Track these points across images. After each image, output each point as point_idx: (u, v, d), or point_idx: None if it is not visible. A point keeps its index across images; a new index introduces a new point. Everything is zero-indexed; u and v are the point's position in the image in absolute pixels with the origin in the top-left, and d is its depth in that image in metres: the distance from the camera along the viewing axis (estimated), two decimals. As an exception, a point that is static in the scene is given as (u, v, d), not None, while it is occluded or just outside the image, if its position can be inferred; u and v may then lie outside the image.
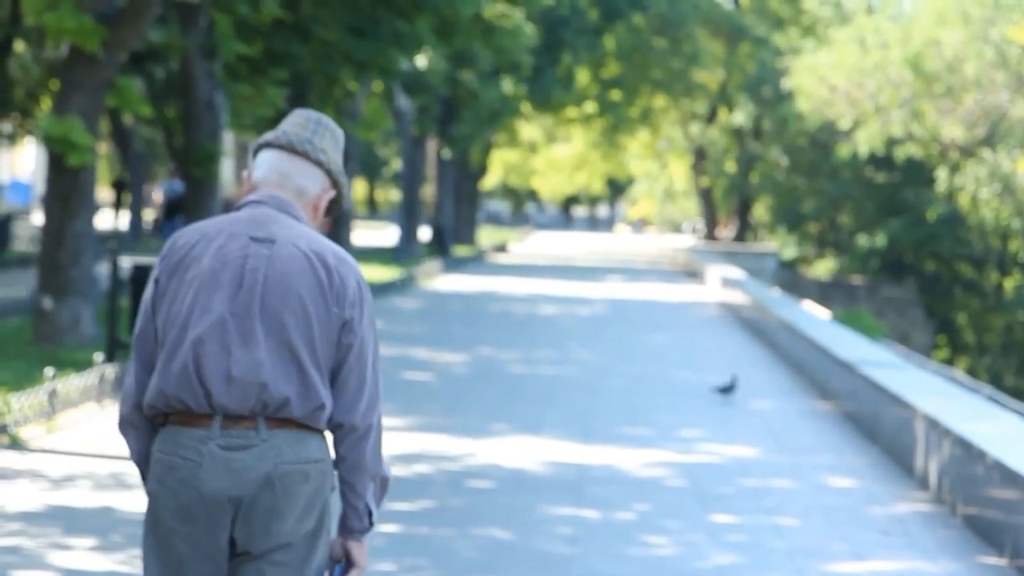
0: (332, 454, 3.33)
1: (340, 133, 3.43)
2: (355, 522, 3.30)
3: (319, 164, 3.35)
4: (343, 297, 3.24)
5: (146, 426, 3.28)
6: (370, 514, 3.30)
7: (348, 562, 3.31)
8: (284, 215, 3.29)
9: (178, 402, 3.19)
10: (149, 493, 3.25)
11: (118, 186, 42.71)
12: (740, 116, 51.56)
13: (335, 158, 3.38)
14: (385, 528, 7.16)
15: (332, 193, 3.39)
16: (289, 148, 3.34)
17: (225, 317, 3.19)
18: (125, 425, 3.30)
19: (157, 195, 39.13)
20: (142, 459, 3.31)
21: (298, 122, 3.37)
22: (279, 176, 3.34)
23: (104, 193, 57.36)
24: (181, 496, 3.18)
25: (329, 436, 3.33)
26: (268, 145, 3.36)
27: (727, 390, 12.66)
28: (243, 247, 3.23)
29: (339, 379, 3.24)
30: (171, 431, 3.21)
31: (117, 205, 41.87)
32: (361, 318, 3.26)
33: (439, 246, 38.77)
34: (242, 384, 3.17)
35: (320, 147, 3.35)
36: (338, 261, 3.26)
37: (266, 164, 3.35)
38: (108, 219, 40.78)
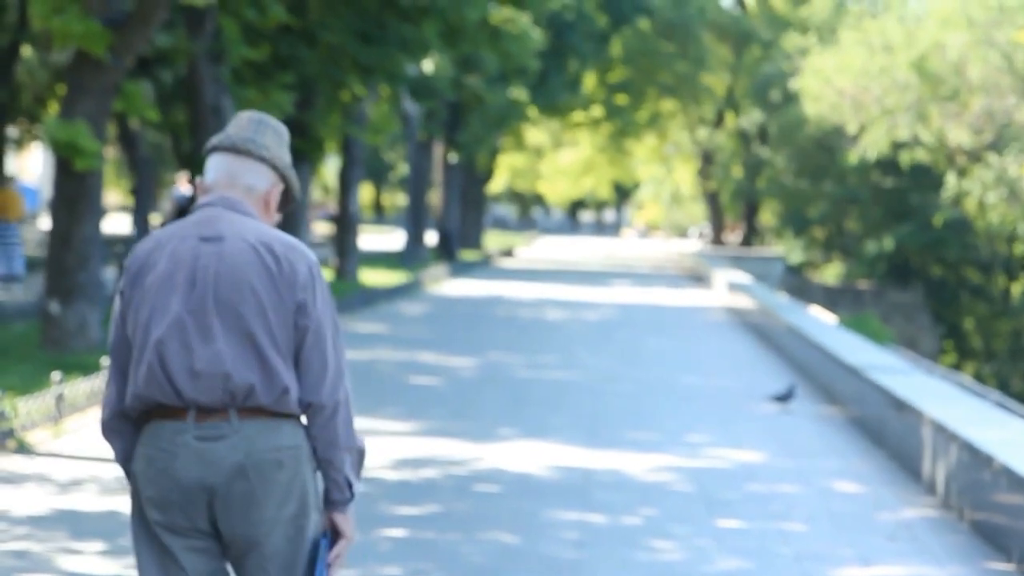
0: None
1: (283, 129, 3.57)
2: (337, 494, 3.45)
3: (263, 161, 3.49)
4: (294, 283, 3.38)
5: (128, 429, 3.46)
6: (350, 485, 3.45)
7: (335, 533, 3.46)
8: (233, 213, 3.44)
9: (151, 400, 3.37)
10: (132, 487, 3.43)
11: (139, 195, 42.75)
12: (747, 120, 51.53)
13: (280, 154, 3.52)
14: (391, 533, 7.16)
15: (281, 187, 3.54)
16: (233, 149, 3.49)
17: (182, 316, 3.35)
18: (107, 431, 3.49)
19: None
20: (126, 460, 3.50)
21: (240, 124, 3.52)
22: (227, 177, 3.49)
23: (116, 197, 57.29)
24: (159, 486, 3.35)
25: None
26: (215, 149, 3.51)
27: (784, 398, 12.49)
28: (193, 247, 3.39)
29: (301, 361, 3.38)
30: (152, 426, 3.39)
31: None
32: (315, 301, 3.39)
33: (445, 250, 38.78)
34: (207, 377, 3.32)
35: (263, 144, 3.50)
36: (287, 249, 3.40)
37: (215, 167, 3.51)
38: (127, 224, 40.94)
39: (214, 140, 3.53)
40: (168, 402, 3.35)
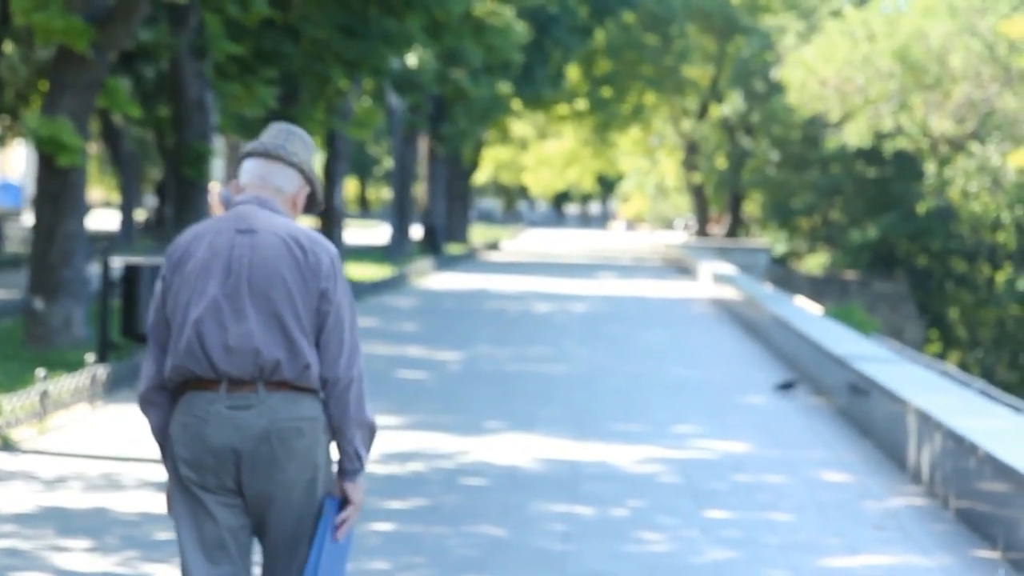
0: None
1: (309, 139, 4.01)
2: (347, 464, 3.87)
3: (292, 165, 3.94)
4: (318, 272, 3.81)
5: (164, 401, 3.87)
6: (359, 457, 3.87)
7: (344, 499, 3.86)
8: (265, 210, 3.87)
9: (189, 372, 3.78)
10: (169, 449, 3.83)
11: (163, 190, 42.87)
12: (729, 107, 51.52)
13: (306, 160, 3.96)
14: (379, 527, 7.16)
15: (307, 189, 3.98)
16: (266, 155, 3.94)
17: (218, 298, 3.76)
18: (145, 403, 3.89)
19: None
20: (161, 431, 3.89)
21: (272, 133, 3.98)
22: (259, 179, 3.93)
23: (99, 193, 57.20)
24: (193, 449, 3.76)
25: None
26: (249, 154, 3.96)
27: (787, 387, 12.73)
28: (230, 239, 3.81)
29: (322, 341, 3.81)
30: (188, 396, 3.80)
31: (161, 206, 42.17)
32: (335, 288, 3.82)
33: (431, 244, 38.73)
34: (239, 352, 3.75)
35: (292, 151, 3.94)
36: (312, 242, 3.83)
37: (248, 170, 3.95)
38: (111, 220, 40.71)
39: (248, 147, 3.96)
40: (203, 374, 3.76)
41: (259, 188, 3.91)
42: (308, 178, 3.95)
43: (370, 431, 3.89)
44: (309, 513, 3.80)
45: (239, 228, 3.82)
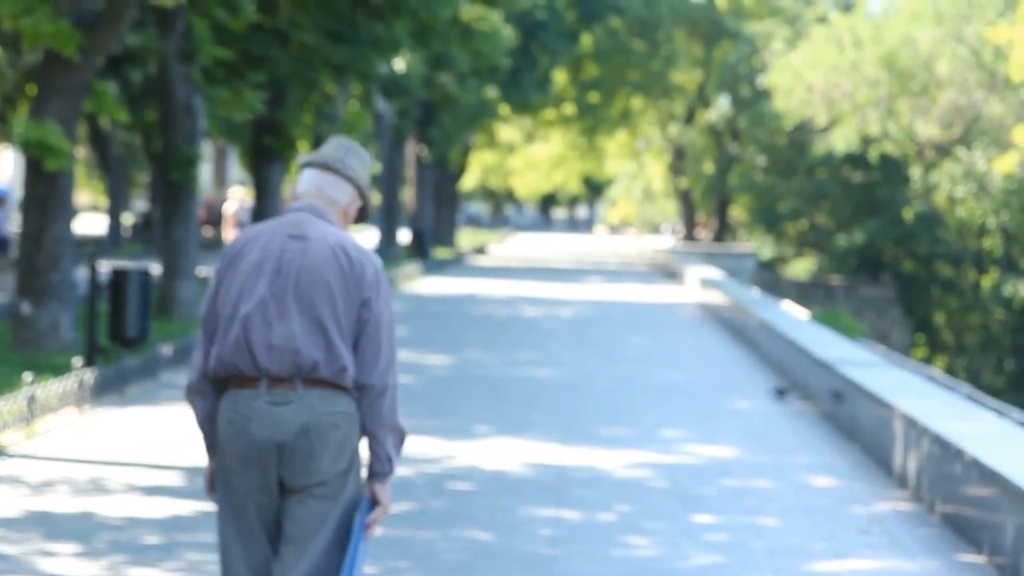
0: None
1: (366, 155, 4.27)
2: (378, 467, 4.09)
3: (349, 180, 4.20)
4: (362, 281, 4.05)
5: (210, 391, 4.11)
6: (390, 460, 4.09)
7: (373, 500, 4.08)
8: (318, 219, 4.13)
9: (233, 366, 4.02)
10: (217, 443, 4.07)
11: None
12: (715, 113, 51.62)
13: (362, 175, 4.23)
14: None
15: (359, 203, 4.24)
16: (324, 166, 4.20)
17: (266, 298, 4.02)
18: (192, 392, 4.12)
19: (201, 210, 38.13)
20: (205, 420, 4.13)
21: (332, 146, 4.23)
22: (316, 189, 4.19)
23: (87, 198, 56.94)
24: (238, 443, 4.00)
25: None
26: (309, 164, 4.21)
27: (782, 393, 12.83)
28: (282, 243, 4.08)
29: (360, 347, 4.04)
30: (231, 393, 4.04)
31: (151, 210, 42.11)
32: (377, 298, 4.06)
33: (419, 248, 38.74)
34: (280, 350, 3.99)
35: (350, 165, 4.20)
36: (359, 253, 4.09)
37: (306, 179, 4.21)
38: (99, 224, 40.44)
39: (308, 158, 4.21)
40: (246, 370, 4.00)
41: (315, 197, 4.16)
42: (361, 193, 4.20)
43: (401, 436, 4.10)
44: (333, 508, 4.01)
45: (292, 234, 4.07)
